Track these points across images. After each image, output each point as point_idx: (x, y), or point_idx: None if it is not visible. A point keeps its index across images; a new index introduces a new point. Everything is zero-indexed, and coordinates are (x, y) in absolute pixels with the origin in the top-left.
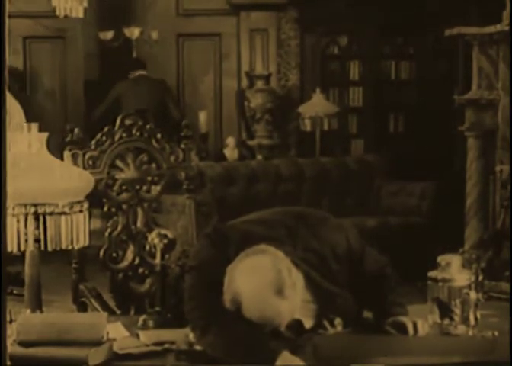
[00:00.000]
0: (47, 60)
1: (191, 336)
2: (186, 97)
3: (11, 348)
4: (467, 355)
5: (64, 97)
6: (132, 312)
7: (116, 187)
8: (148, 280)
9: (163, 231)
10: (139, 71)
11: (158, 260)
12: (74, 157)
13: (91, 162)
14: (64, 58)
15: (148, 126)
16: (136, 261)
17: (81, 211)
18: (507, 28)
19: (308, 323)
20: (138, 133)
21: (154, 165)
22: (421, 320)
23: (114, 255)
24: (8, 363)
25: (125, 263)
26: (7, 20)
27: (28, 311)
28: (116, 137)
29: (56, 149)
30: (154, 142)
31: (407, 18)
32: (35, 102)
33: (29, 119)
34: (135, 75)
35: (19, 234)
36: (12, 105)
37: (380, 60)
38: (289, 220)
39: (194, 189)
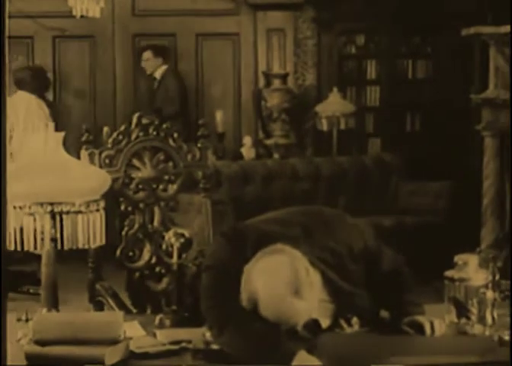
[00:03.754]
0: (77, 59)
1: (208, 335)
2: (204, 97)
3: (27, 346)
4: (483, 355)
5: (93, 97)
6: (148, 311)
7: (132, 186)
8: (165, 280)
9: (180, 230)
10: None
11: (174, 259)
12: (90, 156)
13: (107, 161)
14: (94, 57)
15: (164, 126)
16: (153, 260)
17: (97, 210)
18: None
19: (325, 323)
20: (154, 132)
21: (171, 164)
22: (438, 320)
23: (131, 253)
24: (25, 362)
25: (141, 262)
26: (7, 21)
27: (44, 310)
28: (133, 136)
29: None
30: (171, 141)
31: (424, 17)
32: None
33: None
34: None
35: (35, 233)
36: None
37: (397, 59)
38: (306, 220)
39: (211, 188)
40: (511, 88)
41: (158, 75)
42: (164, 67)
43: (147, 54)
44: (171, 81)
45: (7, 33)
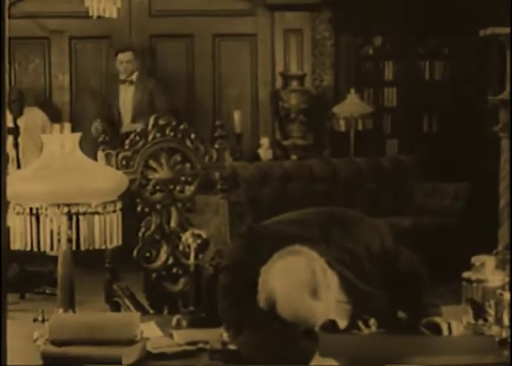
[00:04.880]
0: (93, 60)
1: (225, 336)
2: (221, 98)
3: (44, 347)
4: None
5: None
6: (165, 311)
7: (149, 187)
8: (182, 280)
9: (197, 231)
10: None
11: (191, 260)
12: (107, 157)
13: (124, 162)
14: (110, 58)
15: (181, 127)
16: (170, 261)
17: (114, 211)
18: None
19: (342, 324)
20: (171, 133)
21: (188, 165)
22: (455, 321)
23: (148, 254)
24: (41, 362)
25: (158, 263)
26: (7, 21)
27: (61, 310)
28: (150, 137)
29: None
30: (188, 142)
31: (441, 18)
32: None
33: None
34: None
35: (52, 234)
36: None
37: (414, 60)
38: (323, 220)
39: (228, 189)
40: (511, 88)
41: (134, 78)
42: (137, 70)
43: (127, 55)
44: (154, 86)
45: (7, 35)
